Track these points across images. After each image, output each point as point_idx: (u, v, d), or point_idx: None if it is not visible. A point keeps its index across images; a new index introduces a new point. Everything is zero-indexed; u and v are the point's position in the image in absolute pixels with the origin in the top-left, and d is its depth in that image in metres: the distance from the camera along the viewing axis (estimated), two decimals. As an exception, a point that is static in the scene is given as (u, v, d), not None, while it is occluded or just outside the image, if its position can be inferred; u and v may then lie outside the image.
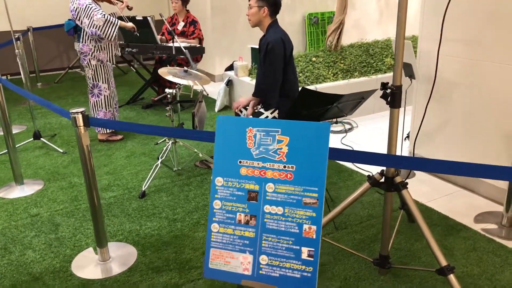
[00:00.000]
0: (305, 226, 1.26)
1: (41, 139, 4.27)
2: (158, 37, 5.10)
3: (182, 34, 5.52)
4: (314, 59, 5.07)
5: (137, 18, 4.93)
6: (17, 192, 3.35)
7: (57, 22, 7.07)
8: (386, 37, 6.15)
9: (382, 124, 4.67)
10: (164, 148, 3.67)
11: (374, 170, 3.35)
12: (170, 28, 4.71)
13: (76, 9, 3.94)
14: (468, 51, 3.05)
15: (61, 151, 4.12)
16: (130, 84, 6.76)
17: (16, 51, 3.99)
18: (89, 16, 3.89)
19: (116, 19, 4.01)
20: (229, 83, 5.31)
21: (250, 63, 5.38)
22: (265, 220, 1.29)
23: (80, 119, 2.26)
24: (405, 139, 4.02)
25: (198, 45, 5.37)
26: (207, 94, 6.03)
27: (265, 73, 3.13)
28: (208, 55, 6.86)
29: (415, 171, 3.54)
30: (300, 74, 4.78)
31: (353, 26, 7.73)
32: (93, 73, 4.17)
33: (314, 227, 1.25)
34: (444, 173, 1.99)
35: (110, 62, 4.23)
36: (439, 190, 3.25)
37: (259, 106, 3.27)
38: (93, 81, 4.20)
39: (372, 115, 4.95)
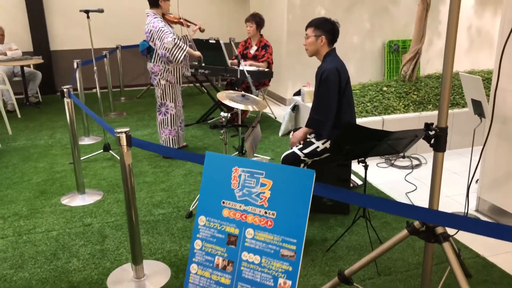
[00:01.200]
0: (280, 280, 1.16)
1: (110, 151, 4.52)
2: (228, 60, 5.21)
3: (254, 58, 5.59)
4: (385, 88, 4.85)
5: (210, 41, 5.09)
6: (78, 200, 3.56)
7: (144, 42, 7.54)
8: (473, 68, 5.74)
9: (455, 162, 4.32)
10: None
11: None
12: (236, 52, 4.79)
13: (150, 31, 4.15)
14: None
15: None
16: (205, 103, 6.97)
17: (94, 68, 4.29)
18: (161, 38, 4.08)
19: (185, 45, 4.16)
20: (295, 108, 5.26)
21: (319, 90, 5.28)
22: (242, 268, 1.21)
23: (124, 139, 2.34)
24: (476, 181, 3.68)
25: (267, 69, 5.40)
26: (275, 118, 6.03)
27: (318, 103, 3.05)
28: (281, 79, 6.90)
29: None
30: (368, 104, 4.59)
31: (438, 55, 7.34)
32: (161, 92, 4.35)
33: (289, 282, 1.14)
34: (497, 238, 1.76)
35: (178, 83, 4.39)
36: (507, 243, 2.90)
37: (312, 136, 3.18)
38: (161, 99, 4.39)
39: (447, 152, 4.60)
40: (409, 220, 2.07)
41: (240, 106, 3.47)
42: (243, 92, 3.59)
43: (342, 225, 3.13)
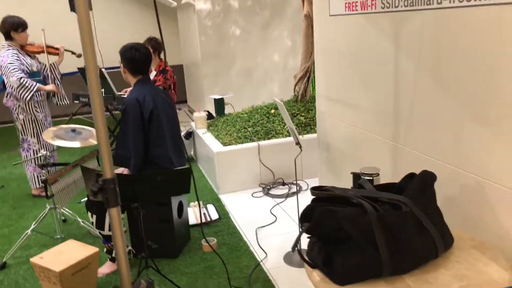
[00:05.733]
0: None
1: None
2: (114, 89, 4.96)
3: (154, 83, 5.34)
4: (273, 111, 4.56)
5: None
6: None
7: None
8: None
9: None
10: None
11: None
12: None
13: (0, 66, 3.91)
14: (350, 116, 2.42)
15: (-14, 206, 4.06)
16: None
17: None
18: (7, 76, 3.85)
19: (34, 85, 3.90)
20: (190, 135, 4.98)
21: (215, 115, 5.01)
22: None
23: None
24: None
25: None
26: None
27: (120, 138, 2.77)
28: (201, 101, 6.63)
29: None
30: (249, 129, 4.29)
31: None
32: (21, 127, 4.10)
33: None
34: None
35: (43, 117, 4.13)
36: None
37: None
38: (22, 135, 4.13)
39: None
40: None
41: (71, 144, 3.20)
42: (73, 126, 3.32)
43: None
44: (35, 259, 2.48)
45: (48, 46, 4.22)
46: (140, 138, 2.75)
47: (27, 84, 3.86)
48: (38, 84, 3.95)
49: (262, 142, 4.10)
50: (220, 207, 3.73)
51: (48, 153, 3.15)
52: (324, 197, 1.50)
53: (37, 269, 2.48)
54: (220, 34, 6.31)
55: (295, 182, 4.11)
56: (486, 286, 1.26)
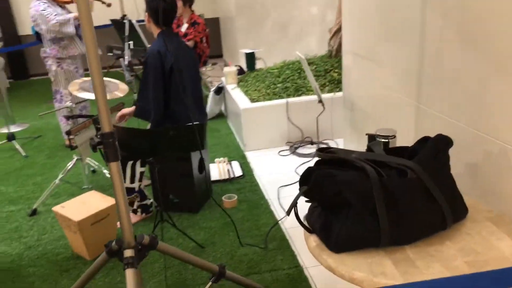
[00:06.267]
0: None
1: (13, 141, 4.41)
2: (145, 41, 4.92)
3: (185, 36, 5.26)
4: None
5: (124, 21, 4.82)
6: None
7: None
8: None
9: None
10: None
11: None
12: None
13: (33, 15, 3.94)
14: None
15: (23, 154, 4.23)
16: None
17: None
18: (44, 22, 3.89)
19: (68, 17, 3.94)
20: (220, 90, 4.91)
21: (246, 69, 4.90)
22: None
23: None
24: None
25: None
26: None
27: (141, 89, 2.75)
28: (237, 56, 6.51)
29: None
30: (279, 85, 4.17)
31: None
32: (53, 78, 4.17)
33: None
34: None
35: (74, 67, 4.18)
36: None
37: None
38: (54, 86, 4.21)
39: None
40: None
41: (90, 96, 3.21)
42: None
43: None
44: (57, 208, 2.56)
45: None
46: (160, 91, 2.71)
47: (64, 21, 3.90)
48: (68, 15, 3.98)
49: (291, 99, 3.97)
50: (244, 164, 3.69)
51: (75, 105, 3.19)
52: (328, 159, 1.40)
53: (59, 217, 2.56)
54: (255, -15, 6.07)
55: (323, 141, 4.00)
56: (495, 263, 1.15)
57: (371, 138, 1.72)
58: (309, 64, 4.43)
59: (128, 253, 1.61)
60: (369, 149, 1.45)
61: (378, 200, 1.22)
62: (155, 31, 2.82)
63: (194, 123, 2.32)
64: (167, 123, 2.77)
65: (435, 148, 1.31)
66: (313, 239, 1.33)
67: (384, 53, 2.17)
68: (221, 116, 5.10)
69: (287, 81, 4.24)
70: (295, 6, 6.25)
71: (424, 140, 1.38)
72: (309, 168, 1.35)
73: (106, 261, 1.73)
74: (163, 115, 2.75)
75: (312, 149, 3.91)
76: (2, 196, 3.42)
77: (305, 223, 1.38)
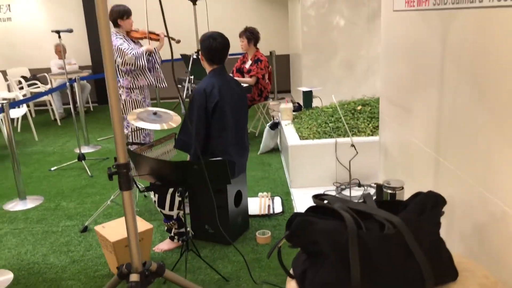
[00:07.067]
0: None
1: (83, 161, 4.82)
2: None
3: (249, 72, 5.48)
4: (359, 107, 4.37)
5: (193, 57, 5.14)
6: (14, 205, 3.91)
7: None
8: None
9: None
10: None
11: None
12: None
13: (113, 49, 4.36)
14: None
15: (89, 174, 4.60)
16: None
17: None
18: (121, 56, 4.29)
19: (140, 51, 4.30)
20: (275, 126, 5.01)
21: (303, 107, 4.97)
22: None
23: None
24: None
25: (251, 85, 5.26)
26: (256, 134, 5.82)
27: (185, 124, 2.92)
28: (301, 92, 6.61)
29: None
30: (331, 125, 4.18)
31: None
32: (122, 107, 4.54)
33: None
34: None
35: (142, 97, 4.52)
36: None
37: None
38: (122, 114, 4.57)
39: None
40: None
41: (151, 126, 3.46)
42: (155, 109, 3.57)
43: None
44: (98, 228, 2.77)
45: (150, 32, 4.58)
46: (202, 127, 2.86)
47: (138, 55, 4.27)
48: (141, 48, 4.34)
49: (340, 139, 3.96)
50: (287, 201, 3.72)
51: (141, 133, 3.46)
52: (321, 206, 1.43)
53: (99, 236, 2.77)
54: (323, 24, 6.19)
55: (372, 184, 3.91)
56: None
57: (379, 188, 1.70)
58: (364, 105, 4.41)
59: (134, 277, 1.72)
60: (364, 199, 1.45)
61: (353, 252, 1.21)
62: (208, 68, 3.01)
63: (218, 158, 2.42)
64: (205, 157, 2.91)
65: (422, 205, 1.28)
66: (293, 284, 1.34)
67: (411, 100, 2.14)
68: (276, 150, 5.18)
69: (339, 121, 4.24)
70: (363, 46, 6.26)
71: (415, 195, 1.35)
72: (295, 213, 1.38)
73: (118, 282, 1.85)
74: (203, 150, 2.89)
75: (359, 191, 3.84)
76: (62, 211, 3.74)
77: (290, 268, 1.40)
